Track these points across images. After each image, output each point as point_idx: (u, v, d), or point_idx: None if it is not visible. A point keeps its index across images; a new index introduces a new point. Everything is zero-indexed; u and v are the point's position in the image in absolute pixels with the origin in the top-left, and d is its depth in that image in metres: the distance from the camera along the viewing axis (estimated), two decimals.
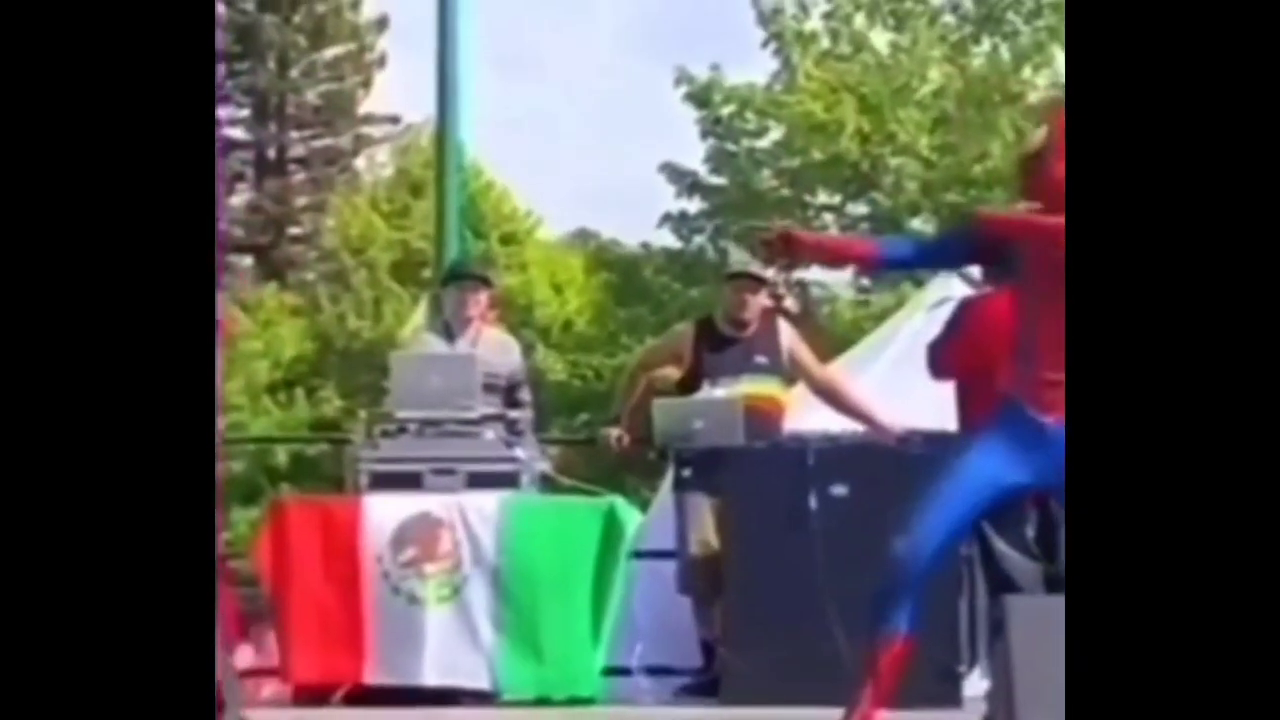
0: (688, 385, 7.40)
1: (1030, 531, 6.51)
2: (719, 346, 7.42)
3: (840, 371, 8.09)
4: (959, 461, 5.07)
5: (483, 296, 7.76)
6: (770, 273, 7.68)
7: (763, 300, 7.35)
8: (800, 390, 7.71)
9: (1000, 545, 6.45)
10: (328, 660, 7.01)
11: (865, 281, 20.05)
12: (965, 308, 6.80)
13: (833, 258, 6.18)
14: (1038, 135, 5.14)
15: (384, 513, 7.02)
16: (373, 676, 6.97)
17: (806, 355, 7.56)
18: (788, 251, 5.25)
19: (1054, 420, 4.84)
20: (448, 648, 6.93)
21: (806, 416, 7.62)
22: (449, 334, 7.72)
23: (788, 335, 7.51)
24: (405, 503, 7.03)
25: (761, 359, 7.38)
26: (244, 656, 12.82)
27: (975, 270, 7.15)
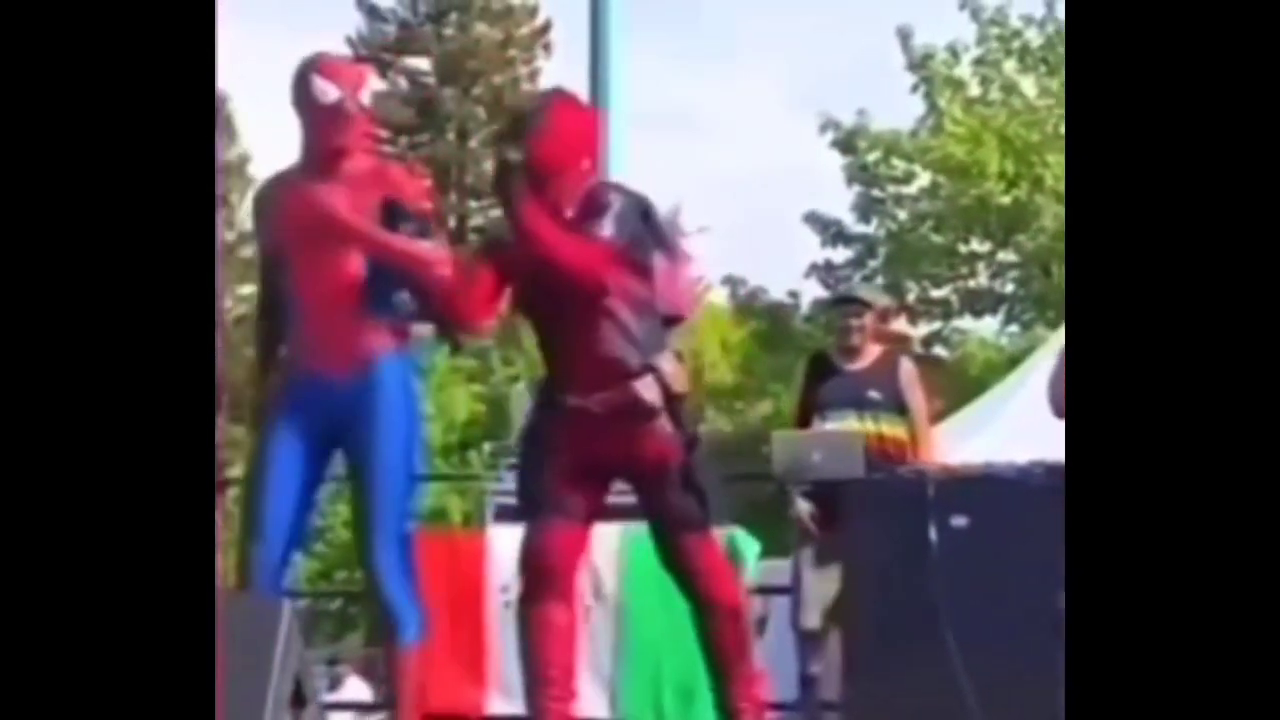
0: (800, 419, 7.42)
1: None
2: (829, 378, 7.43)
3: (947, 435, 7.97)
4: None
5: None
6: (877, 297, 7.71)
7: (869, 325, 7.37)
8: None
9: None
10: (453, 692, 7.11)
11: (1007, 326, 19.97)
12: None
13: None
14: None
15: (509, 545, 7.10)
16: (496, 707, 7.07)
17: (918, 403, 7.50)
18: None
19: None
20: None
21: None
22: None
23: (907, 375, 7.45)
24: None
25: (875, 394, 7.36)
26: (357, 689, 12.98)
27: None
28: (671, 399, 5.23)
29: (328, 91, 5.17)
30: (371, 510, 5.19)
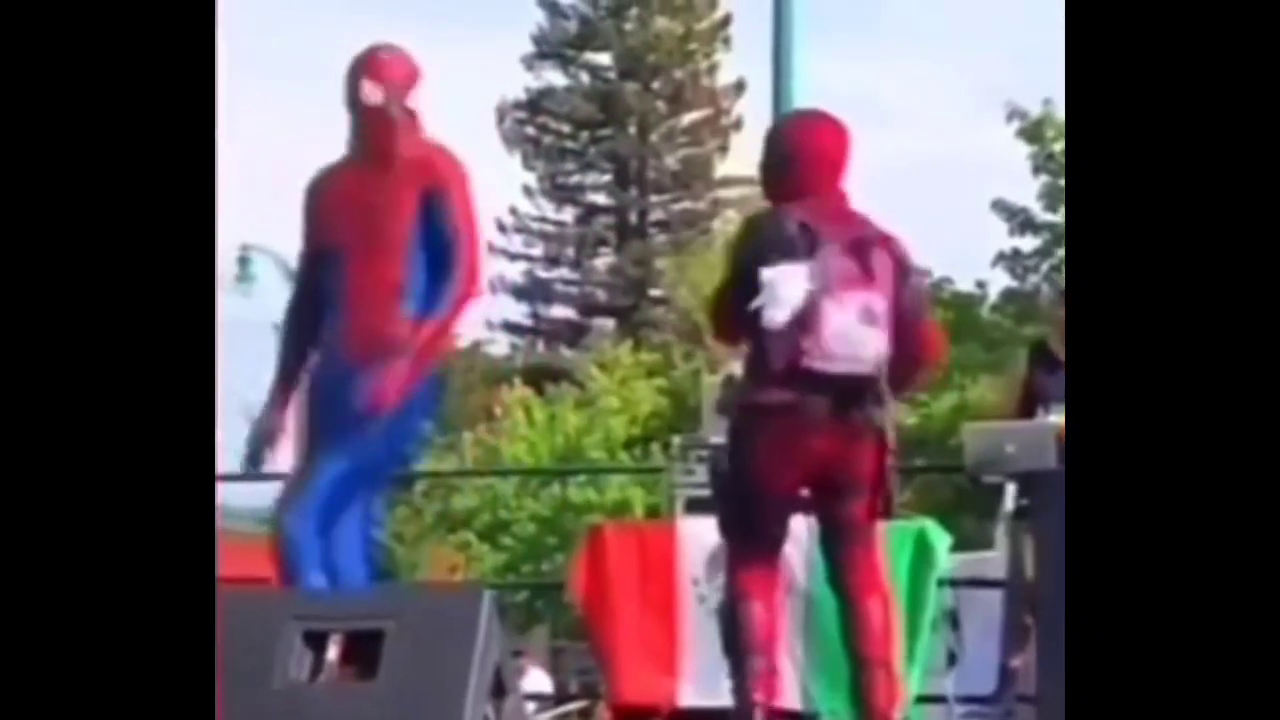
0: (1023, 410, 7.39)
1: None
2: (1055, 370, 7.38)
3: None
4: None
5: None
6: None
7: None
8: None
9: None
10: (646, 683, 7.14)
11: None
12: None
13: None
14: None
15: (699, 536, 7.13)
16: (689, 699, 7.08)
17: None
18: None
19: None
20: None
21: None
22: None
23: None
24: None
25: None
26: (539, 681, 13.09)
27: None
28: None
29: (373, 94, 5.19)
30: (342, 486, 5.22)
